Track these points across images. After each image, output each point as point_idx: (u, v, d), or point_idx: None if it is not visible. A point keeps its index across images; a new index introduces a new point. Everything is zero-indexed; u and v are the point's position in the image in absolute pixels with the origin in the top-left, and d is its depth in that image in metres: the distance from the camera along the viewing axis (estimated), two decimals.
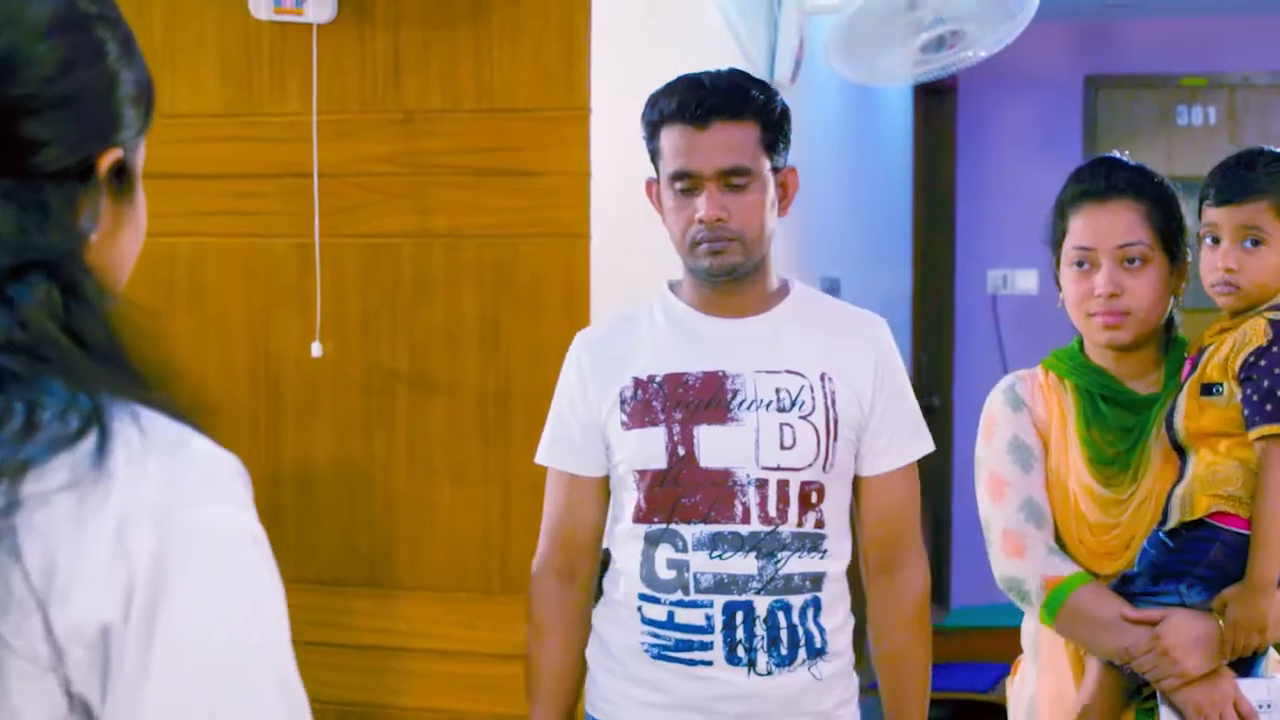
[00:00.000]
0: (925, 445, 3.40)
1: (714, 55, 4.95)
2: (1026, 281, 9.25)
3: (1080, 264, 3.31)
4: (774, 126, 3.25)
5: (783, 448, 3.22)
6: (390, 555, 4.29)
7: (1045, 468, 3.35)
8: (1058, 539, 3.32)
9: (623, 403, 3.30)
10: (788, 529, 3.23)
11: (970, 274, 9.37)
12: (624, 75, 4.28)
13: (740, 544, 3.22)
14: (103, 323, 1.46)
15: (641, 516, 3.28)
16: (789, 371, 3.27)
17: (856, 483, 3.36)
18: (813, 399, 3.25)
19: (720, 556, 3.22)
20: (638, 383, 3.30)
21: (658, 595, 3.27)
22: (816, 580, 3.26)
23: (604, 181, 4.14)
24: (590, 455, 3.37)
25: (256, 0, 4.14)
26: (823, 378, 3.27)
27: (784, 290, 3.39)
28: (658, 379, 3.29)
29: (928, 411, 8.67)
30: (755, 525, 3.22)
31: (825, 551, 3.27)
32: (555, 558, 3.43)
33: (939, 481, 8.76)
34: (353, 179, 4.27)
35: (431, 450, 4.25)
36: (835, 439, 3.25)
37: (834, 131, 6.85)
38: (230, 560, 1.43)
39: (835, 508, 3.29)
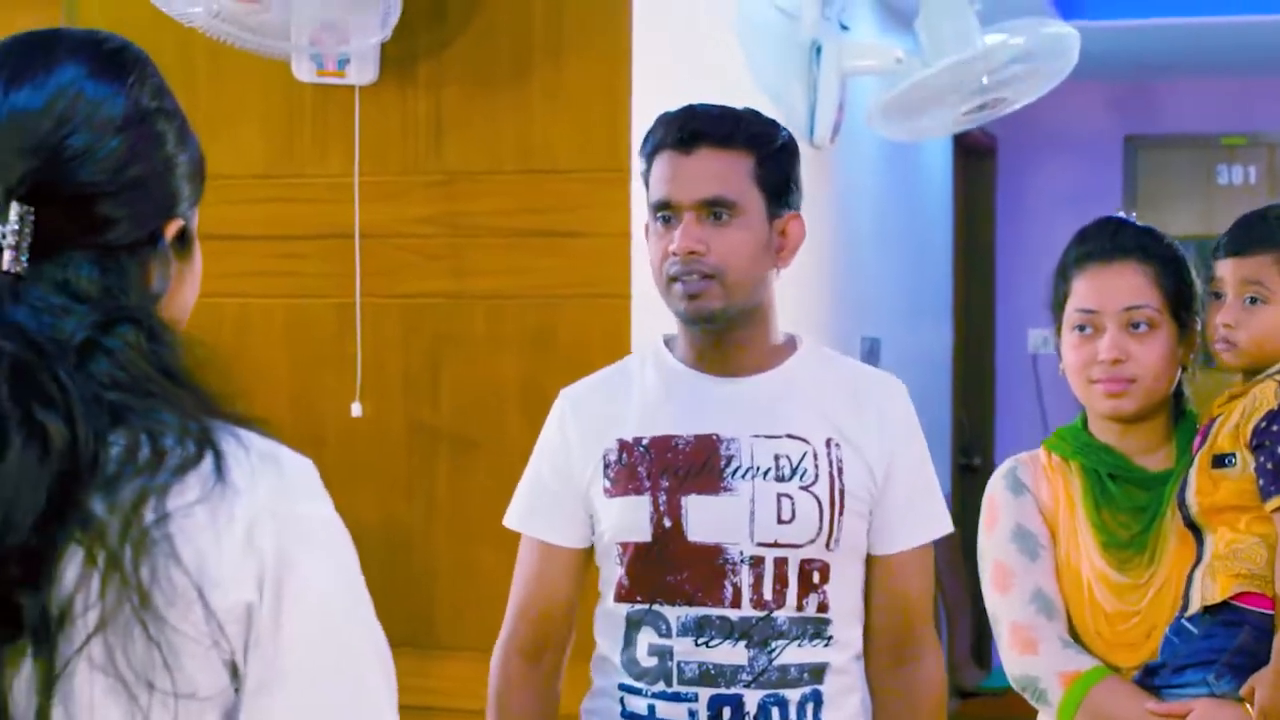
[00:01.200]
0: (943, 525, 3.07)
1: None
2: None
3: (1082, 328, 3.11)
4: (771, 161, 2.95)
5: (780, 521, 2.89)
6: (431, 615, 4.29)
7: (1054, 556, 3.12)
8: (1071, 631, 3.08)
9: (606, 467, 2.98)
10: (784, 614, 2.89)
11: (1011, 333, 9.35)
12: None
13: (729, 630, 2.88)
14: (181, 360, 1.78)
15: (623, 595, 2.96)
16: (790, 436, 2.93)
17: (867, 563, 3.02)
18: (816, 467, 2.91)
19: (707, 644, 2.88)
20: (623, 445, 2.98)
21: (639, 685, 2.95)
22: (818, 672, 2.92)
23: (645, 243, 4.15)
24: (569, 523, 3.05)
25: (299, 63, 4.17)
26: (829, 444, 2.93)
27: (790, 347, 3.06)
28: (644, 442, 2.96)
29: (969, 471, 8.68)
30: (746, 610, 2.88)
31: (830, 639, 2.93)
32: (521, 636, 3.12)
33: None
34: (394, 240, 4.29)
35: (472, 511, 4.25)
36: (841, 512, 2.91)
37: (874, 191, 6.85)
38: (332, 542, 1.80)
39: (844, 590, 2.95)
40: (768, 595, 2.89)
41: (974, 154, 9.11)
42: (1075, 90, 5.61)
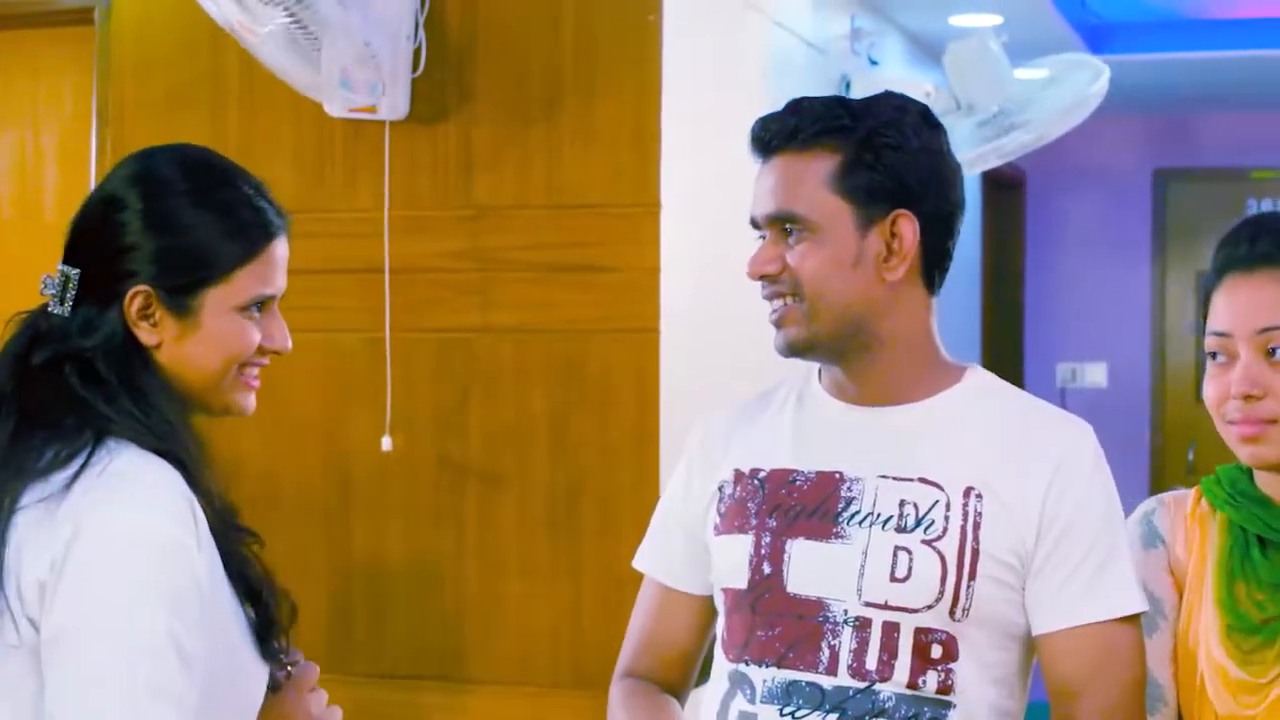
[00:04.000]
0: (1124, 601, 2.43)
1: None
2: (1096, 375, 9.21)
3: (1215, 355, 2.46)
4: (863, 157, 2.45)
5: (894, 579, 2.41)
6: (461, 649, 4.29)
7: (1175, 628, 2.54)
8: None
9: (720, 501, 2.58)
10: (890, 689, 2.39)
11: (1039, 367, 9.34)
12: (694, 172, 4.30)
13: (819, 701, 2.41)
14: (129, 393, 2.18)
15: (725, 649, 2.54)
16: (923, 480, 2.45)
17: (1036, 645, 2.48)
18: (946, 520, 2.42)
19: (793, 715, 2.43)
20: (738, 477, 2.56)
21: None
22: None
23: (674, 277, 4.16)
24: (689, 564, 2.64)
25: (331, 98, 4.18)
26: (968, 493, 2.43)
27: (954, 376, 2.56)
28: (761, 474, 2.54)
29: None
30: (843, 679, 2.41)
31: None
32: (637, 665, 2.71)
33: None
34: (424, 274, 4.30)
35: (502, 544, 4.25)
36: (973, 576, 2.40)
37: None
38: (124, 550, 2.07)
39: (977, 672, 2.42)
40: (870, 664, 2.40)
41: (1003, 187, 9.11)
42: (1105, 124, 5.61)
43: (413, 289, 4.31)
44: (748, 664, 2.47)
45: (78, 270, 2.22)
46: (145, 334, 2.21)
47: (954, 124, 5.36)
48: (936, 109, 5.06)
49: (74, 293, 2.21)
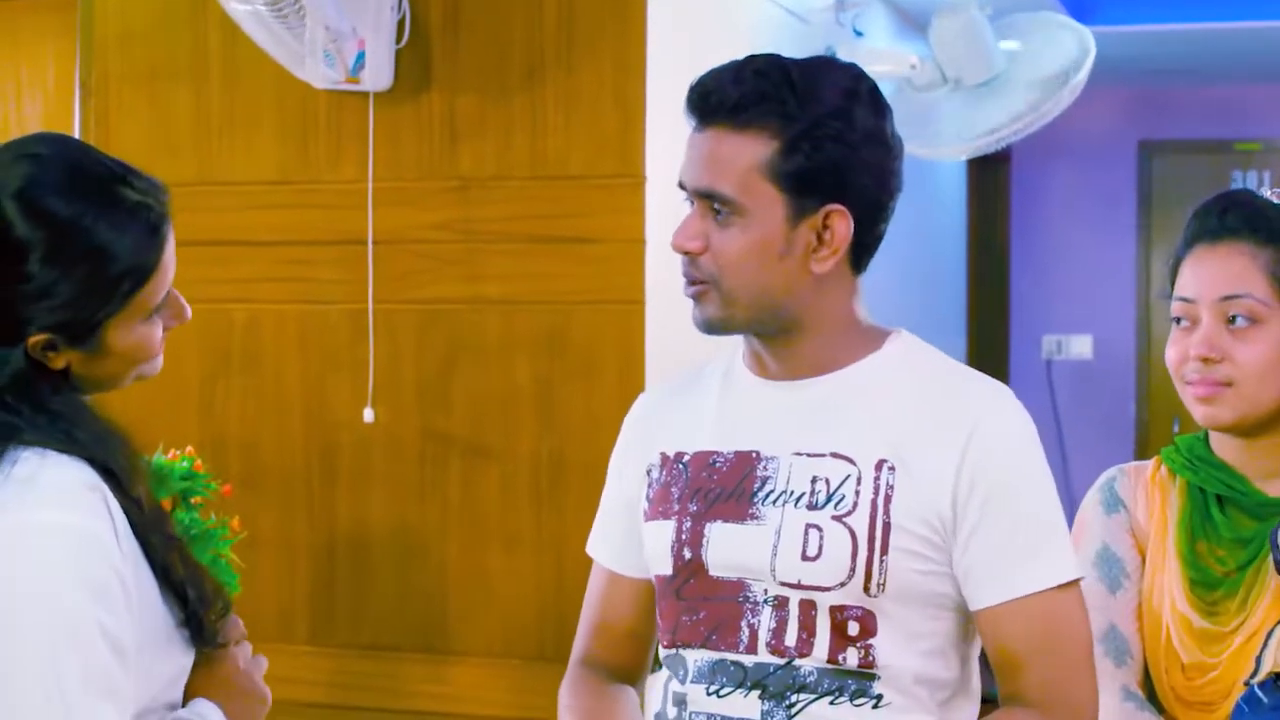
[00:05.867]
0: (1058, 570, 2.35)
1: None
2: (1081, 347, 9.21)
3: (1179, 320, 2.59)
4: (801, 145, 2.33)
5: (805, 558, 2.34)
6: (444, 621, 4.29)
7: (1140, 587, 2.63)
8: (1147, 679, 2.61)
9: (649, 485, 2.53)
10: (810, 664, 2.35)
11: (1024, 339, 9.34)
12: (679, 141, 4.28)
13: (741, 679, 2.39)
14: (44, 415, 2.15)
15: (660, 634, 2.52)
16: (835, 455, 2.37)
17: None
18: (857, 494, 2.34)
19: (718, 694, 2.40)
20: (664, 460, 2.52)
21: None
22: None
23: (659, 248, 4.15)
24: (629, 548, 2.58)
25: (314, 70, 4.17)
26: (880, 466, 2.35)
27: (874, 344, 2.46)
28: (685, 458, 2.48)
29: None
30: (763, 655, 2.37)
31: (880, 701, 2.36)
32: (590, 651, 2.67)
33: None
34: (407, 246, 4.29)
35: (485, 516, 4.25)
36: (885, 551, 2.32)
37: None
38: (34, 546, 2.05)
39: (903, 646, 2.36)
40: (789, 641, 2.36)
41: (987, 160, 9.09)
42: (1088, 96, 5.59)
43: (397, 260, 4.30)
44: (681, 648, 2.44)
45: None
46: (54, 362, 2.18)
47: (941, 98, 5.35)
48: (921, 82, 5.01)
49: None
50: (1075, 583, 2.37)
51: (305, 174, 4.39)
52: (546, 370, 4.20)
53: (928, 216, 7.92)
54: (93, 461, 2.14)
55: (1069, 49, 5.36)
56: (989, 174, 9.24)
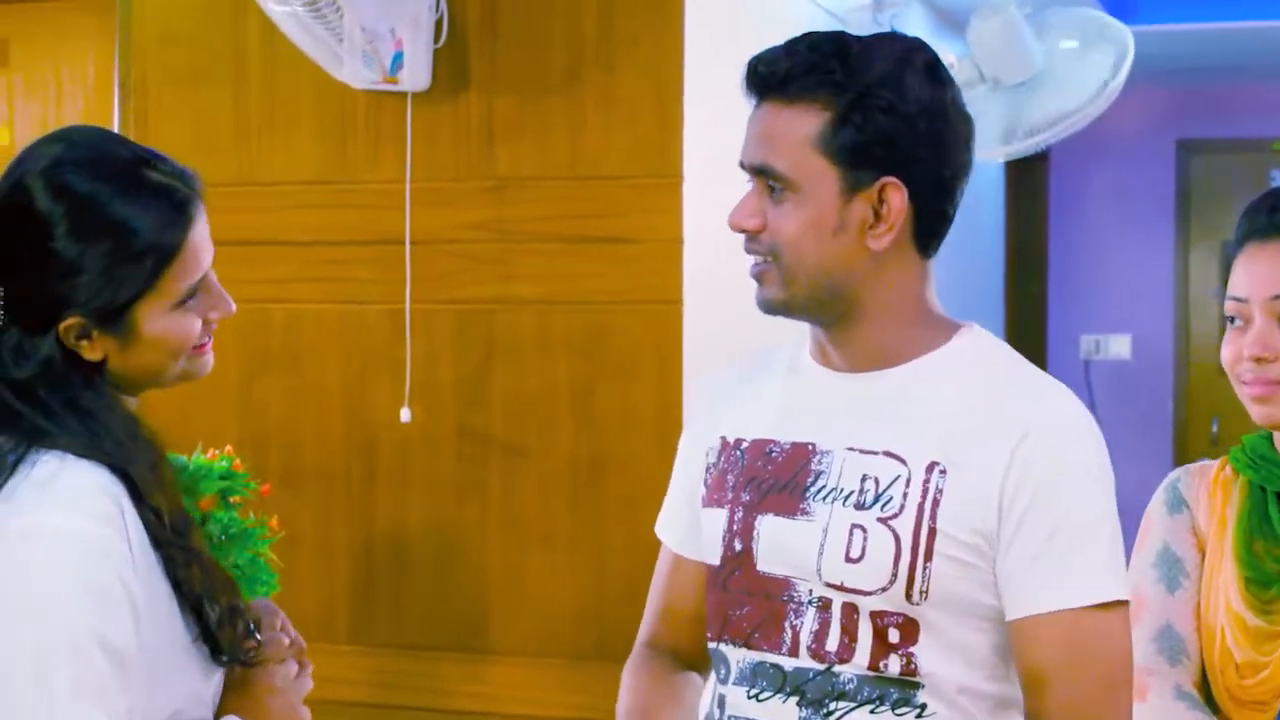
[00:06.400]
0: (1096, 588, 2.24)
1: None
2: (1120, 347, 9.19)
3: (1233, 320, 2.57)
4: (853, 116, 2.27)
5: (849, 559, 2.27)
6: (482, 621, 4.29)
7: (1199, 587, 2.61)
8: (1204, 681, 2.58)
9: (708, 470, 2.49)
10: (851, 670, 2.28)
11: (1063, 340, 9.32)
12: (716, 142, 4.29)
13: (780, 683, 2.33)
14: (72, 413, 2.17)
15: (707, 626, 2.47)
16: (887, 454, 2.30)
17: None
18: (904, 497, 2.27)
19: (757, 698, 2.34)
20: (724, 445, 2.46)
21: None
22: None
23: (696, 248, 4.15)
24: (693, 530, 2.51)
25: (353, 70, 4.18)
26: (930, 468, 2.27)
27: (942, 338, 2.39)
28: (744, 444, 2.43)
29: None
30: (803, 659, 2.31)
31: (924, 711, 2.28)
32: (655, 633, 2.61)
33: None
34: (445, 246, 4.30)
35: (523, 516, 4.25)
36: (929, 557, 2.25)
37: None
38: (38, 549, 2.07)
39: (946, 655, 2.28)
40: (830, 646, 2.29)
41: (1025, 160, 9.06)
42: (1126, 95, 5.58)
43: (434, 261, 4.31)
44: (725, 643, 2.39)
45: (3, 288, 2.19)
46: (88, 352, 2.20)
47: (980, 97, 5.33)
48: (960, 80, 5.03)
49: (2, 303, 2.19)
50: (1116, 604, 2.25)
51: (343, 174, 4.40)
52: (584, 370, 4.20)
53: (965, 216, 7.89)
54: (114, 467, 2.15)
55: (1108, 49, 5.34)
56: (1027, 174, 9.22)
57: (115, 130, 4.51)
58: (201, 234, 2.25)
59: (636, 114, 4.15)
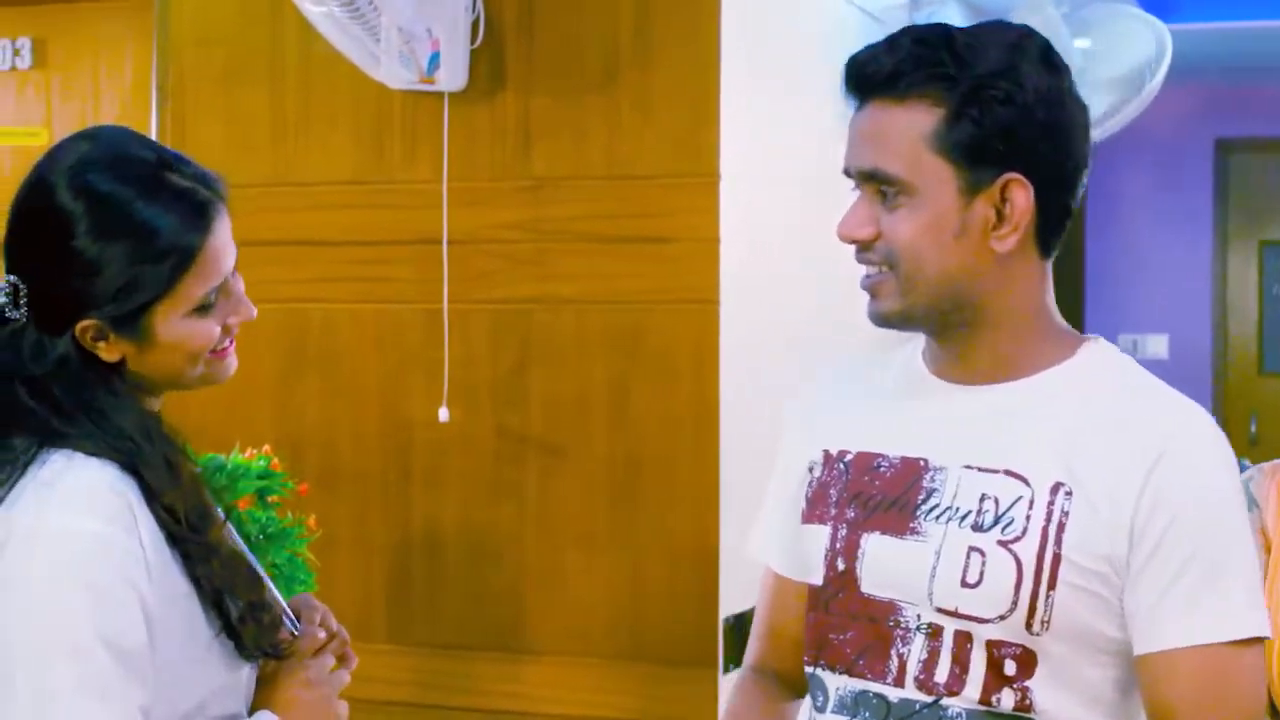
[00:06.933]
0: (1237, 623, 2.10)
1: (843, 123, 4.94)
2: (1157, 346, 9.17)
3: None
4: (970, 110, 2.13)
5: (965, 584, 2.13)
6: (519, 620, 4.29)
7: (1265, 588, 2.41)
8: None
9: (809, 483, 2.34)
10: (960, 704, 2.13)
11: None
12: (753, 141, 4.29)
13: (884, 714, 2.18)
14: (86, 413, 2.17)
15: (804, 648, 2.32)
16: (1008, 473, 2.15)
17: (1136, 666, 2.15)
18: (1027, 519, 2.12)
19: None
20: (826, 458, 2.33)
21: None
22: None
23: (733, 247, 4.15)
24: (791, 547, 2.38)
25: (390, 70, 4.18)
26: (1055, 489, 2.12)
27: (1065, 351, 2.27)
28: (848, 457, 2.29)
29: None
30: (909, 690, 2.17)
31: None
32: (760, 656, 2.49)
33: None
34: (482, 246, 4.30)
35: (560, 516, 4.25)
36: (1053, 585, 2.10)
37: None
38: (43, 549, 2.08)
39: (1065, 691, 2.14)
40: (939, 677, 2.15)
41: None
42: (1164, 93, 5.56)
43: (471, 260, 4.31)
44: (822, 668, 2.26)
45: (25, 285, 2.20)
46: (105, 353, 2.21)
47: None
48: None
49: (25, 299, 2.19)
50: (1253, 640, 2.11)
51: (380, 174, 4.40)
52: (621, 370, 4.20)
53: None
54: (125, 465, 2.15)
55: (1146, 48, 5.33)
56: None
57: (151, 130, 4.53)
58: (222, 238, 2.24)
59: (673, 113, 4.15)
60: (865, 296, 2.23)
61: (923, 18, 5.64)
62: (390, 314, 4.39)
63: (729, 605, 4.10)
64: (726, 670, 4.10)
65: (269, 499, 3.73)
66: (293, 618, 2.40)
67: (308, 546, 3.76)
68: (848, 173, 2.22)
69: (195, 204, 2.21)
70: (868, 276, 2.21)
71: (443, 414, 4.27)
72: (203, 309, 2.23)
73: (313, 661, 2.34)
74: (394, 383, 4.40)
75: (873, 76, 2.17)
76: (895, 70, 2.15)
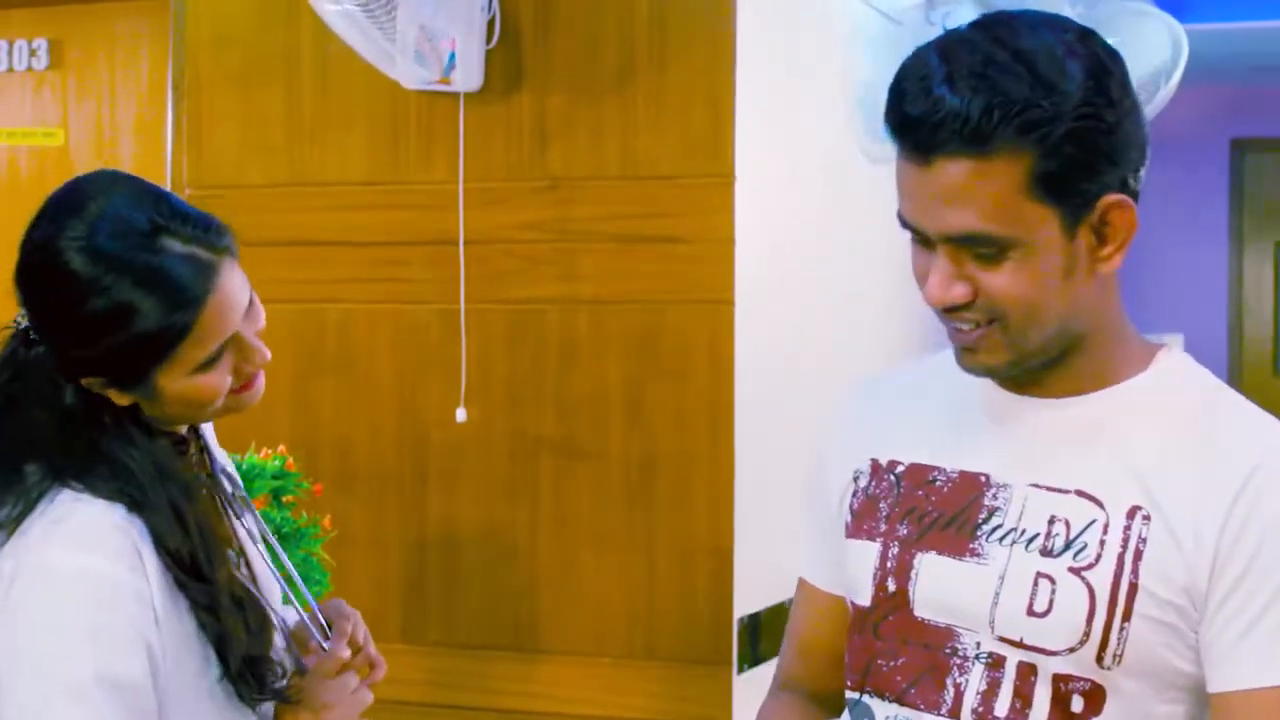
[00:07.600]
0: None
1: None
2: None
3: None
4: (1061, 148, 1.91)
5: (1031, 613, 1.98)
6: (534, 620, 4.29)
7: None
8: None
9: (854, 495, 2.22)
10: None
11: None
12: (769, 141, 4.29)
13: None
14: (94, 457, 2.17)
15: (846, 671, 2.20)
16: (1080, 494, 2.01)
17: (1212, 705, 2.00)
18: (1101, 545, 1.97)
19: None
20: (875, 468, 2.19)
21: None
22: None
23: (749, 248, 4.15)
24: (830, 560, 2.27)
25: (405, 71, 4.18)
26: (1132, 514, 1.98)
27: (1140, 362, 2.12)
28: (899, 469, 2.16)
29: None
30: None
31: None
32: (792, 673, 2.39)
33: None
34: (498, 246, 4.30)
35: (576, 516, 4.25)
36: (1128, 617, 1.96)
37: None
38: (49, 586, 2.08)
39: None
40: (1000, 711, 2.01)
41: None
42: (1180, 93, 5.55)
43: (487, 261, 4.31)
44: (870, 695, 2.12)
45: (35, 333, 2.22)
46: (116, 399, 2.22)
47: None
48: None
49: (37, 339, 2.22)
50: None
51: (396, 174, 4.41)
52: (637, 370, 4.20)
53: None
54: (131, 506, 2.16)
55: (1162, 48, 5.32)
56: None
57: (168, 130, 4.53)
58: (226, 295, 2.19)
59: (689, 114, 4.15)
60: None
61: (938, 18, 5.64)
62: (406, 314, 4.40)
63: (744, 605, 4.10)
64: (741, 670, 4.10)
65: (284, 499, 3.73)
66: (325, 624, 2.40)
67: (323, 547, 3.77)
68: (919, 233, 2.03)
69: (193, 269, 2.17)
70: (964, 333, 2.04)
71: (460, 414, 4.27)
72: (208, 364, 2.22)
73: (334, 682, 2.34)
74: (410, 383, 4.40)
75: (946, 129, 1.92)
76: (980, 124, 1.90)
